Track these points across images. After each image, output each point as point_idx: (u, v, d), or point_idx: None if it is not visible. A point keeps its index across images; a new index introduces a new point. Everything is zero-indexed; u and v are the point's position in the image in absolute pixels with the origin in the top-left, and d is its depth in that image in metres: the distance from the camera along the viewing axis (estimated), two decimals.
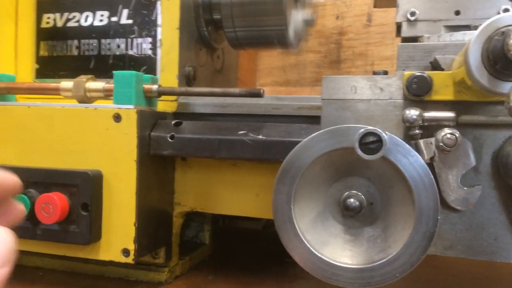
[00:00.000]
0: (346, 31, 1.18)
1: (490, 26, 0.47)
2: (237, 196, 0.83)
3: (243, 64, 1.19)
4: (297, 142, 0.60)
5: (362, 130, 0.49)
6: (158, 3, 0.85)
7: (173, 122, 0.79)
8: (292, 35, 0.88)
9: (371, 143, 0.49)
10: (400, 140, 0.55)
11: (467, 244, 0.61)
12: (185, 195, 0.85)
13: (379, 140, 0.48)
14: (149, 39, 0.86)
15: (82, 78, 0.78)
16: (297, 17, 0.90)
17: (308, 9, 0.94)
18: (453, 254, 0.62)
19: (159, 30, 0.86)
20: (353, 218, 0.59)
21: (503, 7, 0.67)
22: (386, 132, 0.55)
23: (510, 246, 0.60)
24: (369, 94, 0.64)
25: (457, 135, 0.57)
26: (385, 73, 0.69)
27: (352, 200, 0.57)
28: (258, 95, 0.73)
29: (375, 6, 0.87)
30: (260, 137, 0.74)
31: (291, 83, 1.24)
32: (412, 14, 0.70)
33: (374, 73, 0.69)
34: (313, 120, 0.75)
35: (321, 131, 0.58)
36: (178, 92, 0.77)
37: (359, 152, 0.49)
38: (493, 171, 0.60)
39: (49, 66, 0.94)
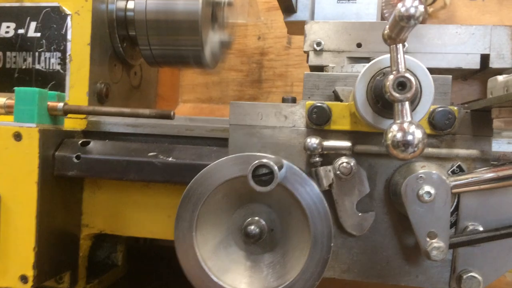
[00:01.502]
0: (267, 52, 1.20)
1: (374, 66, 0.50)
2: (148, 218, 0.81)
3: (165, 80, 1.18)
4: (207, 165, 0.60)
5: (255, 162, 0.50)
6: (69, 17, 0.82)
7: (80, 142, 0.76)
8: (208, 56, 0.89)
9: (264, 175, 0.50)
10: (298, 169, 0.57)
11: (362, 267, 0.64)
12: (94, 216, 0.82)
13: (271, 173, 0.50)
14: (58, 54, 0.83)
15: None
16: (214, 38, 0.91)
17: (226, 30, 0.95)
18: (350, 277, 0.65)
19: (69, 45, 0.83)
20: (254, 244, 0.60)
21: None
22: (284, 161, 0.56)
23: (401, 269, 0.63)
24: (274, 121, 0.66)
25: (352, 164, 0.60)
26: (293, 100, 0.71)
27: (252, 227, 0.58)
28: (168, 117, 0.72)
29: (288, 33, 0.90)
30: (170, 159, 0.73)
31: (214, 100, 1.24)
32: (318, 44, 0.73)
33: (283, 99, 0.71)
34: (226, 142, 0.75)
35: (223, 158, 0.58)
36: (85, 111, 0.75)
37: (252, 183, 0.50)
38: (386, 197, 0.63)
39: None
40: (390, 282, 0.64)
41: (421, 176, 0.56)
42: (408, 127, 0.44)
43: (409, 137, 0.44)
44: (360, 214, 0.62)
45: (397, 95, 0.44)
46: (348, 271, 0.65)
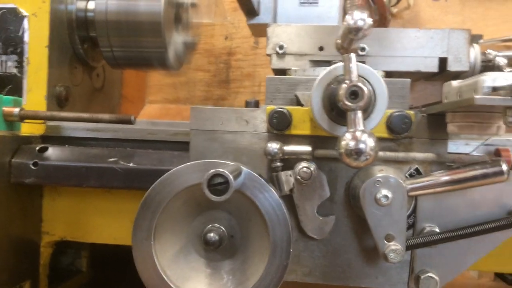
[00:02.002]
0: (235, 52, 1.20)
1: (329, 73, 0.50)
2: (111, 224, 0.80)
3: (130, 81, 1.16)
4: (168, 171, 0.59)
5: (210, 171, 0.50)
6: (25, 19, 0.80)
7: (37, 148, 0.74)
8: (172, 58, 0.88)
9: (220, 184, 0.50)
10: (257, 175, 0.57)
11: (324, 270, 0.65)
12: (55, 223, 0.80)
13: (227, 182, 0.49)
14: (15, 57, 0.80)
15: None
16: (178, 39, 0.89)
17: (191, 31, 0.94)
18: (312, 280, 0.65)
19: (26, 47, 0.80)
20: (214, 251, 0.60)
21: (361, 45, 0.72)
22: (244, 168, 0.56)
23: (361, 271, 0.64)
24: (235, 126, 0.65)
25: (312, 168, 0.60)
26: (256, 103, 0.70)
27: (212, 234, 0.58)
28: (129, 122, 0.71)
29: (252, 35, 0.90)
30: (131, 165, 0.72)
31: (181, 100, 1.23)
32: (281, 47, 0.73)
33: (247, 103, 0.71)
34: (188, 146, 0.75)
35: (182, 165, 0.58)
36: (42, 116, 0.73)
37: (207, 192, 0.50)
38: (346, 201, 0.64)
39: None
40: (351, 284, 0.65)
41: (378, 180, 0.57)
42: (360, 135, 0.44)
43: (361, 146, 0.44)
44: (321, 218, 0.63)
45: (349, 104, 0.44)
46: (310, 274, 0.65)
